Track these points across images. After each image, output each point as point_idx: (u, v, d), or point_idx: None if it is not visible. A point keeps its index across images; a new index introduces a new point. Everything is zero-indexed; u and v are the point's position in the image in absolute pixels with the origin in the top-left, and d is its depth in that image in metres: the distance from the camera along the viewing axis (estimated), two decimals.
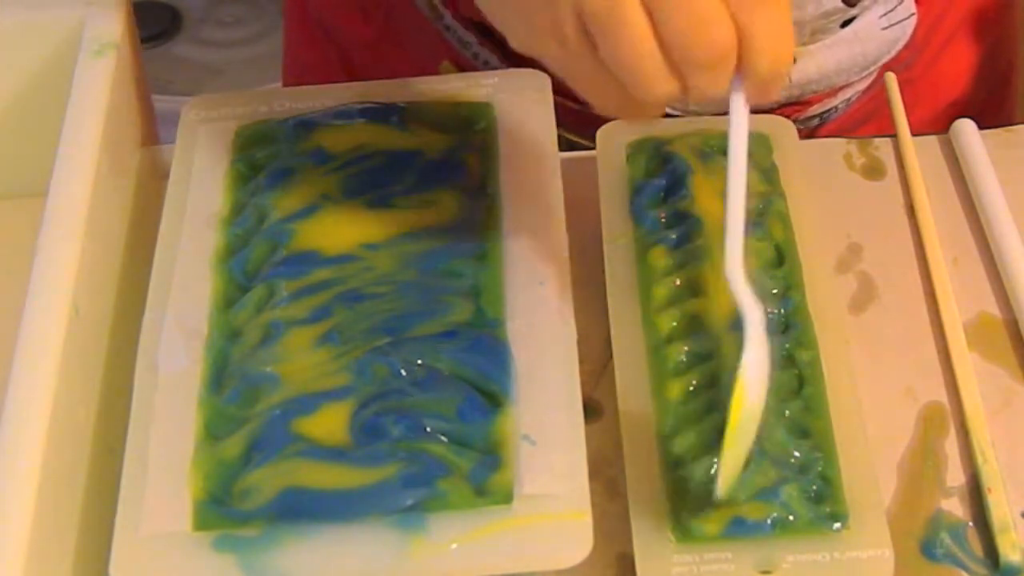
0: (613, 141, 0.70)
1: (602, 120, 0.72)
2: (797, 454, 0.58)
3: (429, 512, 0.54)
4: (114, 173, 0.67)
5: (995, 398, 0.65)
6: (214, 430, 0.57)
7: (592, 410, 0.64)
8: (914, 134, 0.75)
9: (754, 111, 0.76)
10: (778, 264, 0.65)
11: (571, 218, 0.64)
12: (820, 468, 0.58)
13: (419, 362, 0.58)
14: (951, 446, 0.63)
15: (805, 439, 0.59)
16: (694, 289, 0.63)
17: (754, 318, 0.54)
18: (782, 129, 0.71)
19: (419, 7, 0.80)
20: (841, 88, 0.79)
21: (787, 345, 0.61)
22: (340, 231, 0.63)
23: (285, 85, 0.94)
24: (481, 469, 0.55)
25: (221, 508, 0.55)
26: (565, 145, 0.77)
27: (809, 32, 0.74)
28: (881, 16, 0.76)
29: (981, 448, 0.62)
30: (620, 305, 0.64)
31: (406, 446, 0.56)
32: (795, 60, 0.75)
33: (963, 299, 0.68)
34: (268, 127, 0.68)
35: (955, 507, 0.61)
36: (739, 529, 0.56)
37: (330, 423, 0.56)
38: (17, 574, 0.51)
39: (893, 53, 0.78)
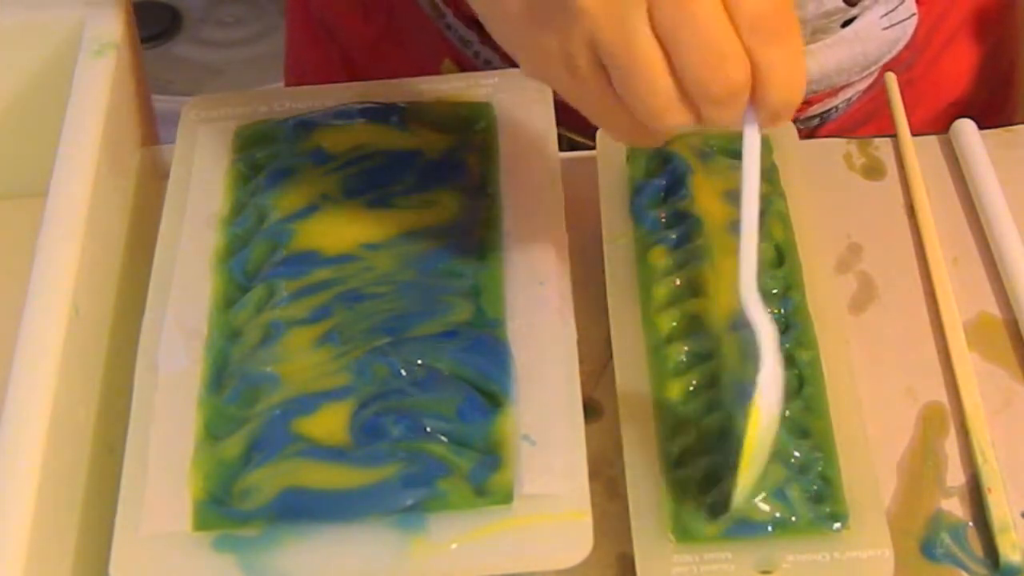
0: (613, 141, 0.70)
1: None
2: (797, 454, 0.58)
3: (429, 512, 0.54)
4: (114, 173, 0.67)
5: (995, 398, 0.65)
6: (214, 430, 0.57)
7: (592, 410, 0.64)
8: (914, 134, 0.75)
9: None
10: (778, 264, 0.65)
11: (571, 218, 0.64)
12: (820, 468, 0.58)
13: (419, 362, 0.58)
14: (951, 446, 0.63)
15: (805, 439, 0.59)
16: (694, 289, 0.63)
17: (767, 338, 0.54)
18: (782, 129, 0.71)
19: (421, 6, 0.80)
20: (842, 88, 0.79)
21: (787, 345, 0.61)
22: (340, 231, 0.63)
23: (287, 85, 0.94)
24: (481, 469, 0.55)
25: (221, 508, 0.55)
26: (566, 144, 0.77)
27: (810, 32, 0.74)
28: (882, 16, 0.76)
29: (981, 448, 0.62)
30: (620, 305, 0.64)
31: (406, 446, 0.56)
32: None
33: (963, 299, 0.68)
34: (268, 127, 0.68)
35: (955, 507, 0.61)
36: (739, 529, 0.56)
37: (330, 423, 0.56)
38: (17, 574, 0.51)
39: (894, 53, 0.78)
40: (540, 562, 0.54)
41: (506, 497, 0.54)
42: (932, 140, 0.76)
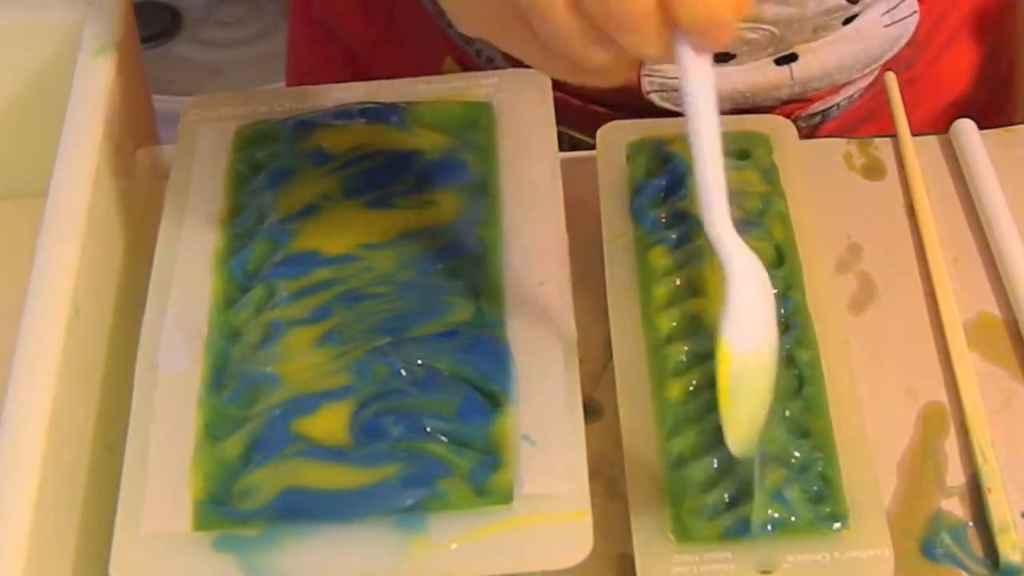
0: (613, 141, 0.70)
1: (604, 118, 0.72)
2: (797, 454, 0.58)
3: (429, 512, 0.54)
4: (114, 173, 0.67)
5: (995, 398, 0.65)
6: (214, 430, 0.57)
7: (592, 410, 0.64)
8: (915, 134, 0.75)
9: (756, 110, 0.77)
10: (778, 264, 0.65)
11: (571, 218, 0.64)
12: (820, 468, 0.58)
13: (419, 362, 0.58)
14: (951, 446, 0.63)
15: (805, 439, 0.59)
16: (694, 289, 0.63)
17: (738, 266, 0.52)
18: (782, 129, 0.71)
19: (422, 4, 0.80)
20: (843, 85, 0.79)
21: (787, 345, 0.61)
22: (340, 231, 0.63)
23: (288, 84, 0.94)
24: (481, 469, 0.55)
25: (221, 508, 0.55)
26: (566, 142, 0.77)
27: (811, 29, 0.74)
28: (883, 13, 0.76)
29: (981, 448, 0.62)
30: (620, 305, 0.64)
31: (406, 446, 0.56)
32: (797, 57, 0.76)
33: (963, 299, 0.68)
34: (268, 127, 0.68)
35: (955, 507, 0.61)
36: (739, 529, 0.56)
37: (330, 423, 0.56)
38: (17, 574, 0.51)
39: (895, 51, 0.78)
40: (540, 562, 0.54)
41: (506, 497, 0.54)
42: (932, 140, 0.76)
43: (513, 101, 0.68)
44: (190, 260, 0.63)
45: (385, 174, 0.65)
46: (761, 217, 0.66)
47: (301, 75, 0.92)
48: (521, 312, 0.60)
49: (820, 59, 0.76)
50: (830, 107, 0.80)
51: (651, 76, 0.75)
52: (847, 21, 0.75)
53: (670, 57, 0.50)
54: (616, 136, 0.70)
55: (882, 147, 0.76)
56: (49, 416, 0.55)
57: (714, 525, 0.56)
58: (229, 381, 0.59)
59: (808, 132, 0.80)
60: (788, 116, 0.77)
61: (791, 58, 0.75)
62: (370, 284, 0.61)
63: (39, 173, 0.64)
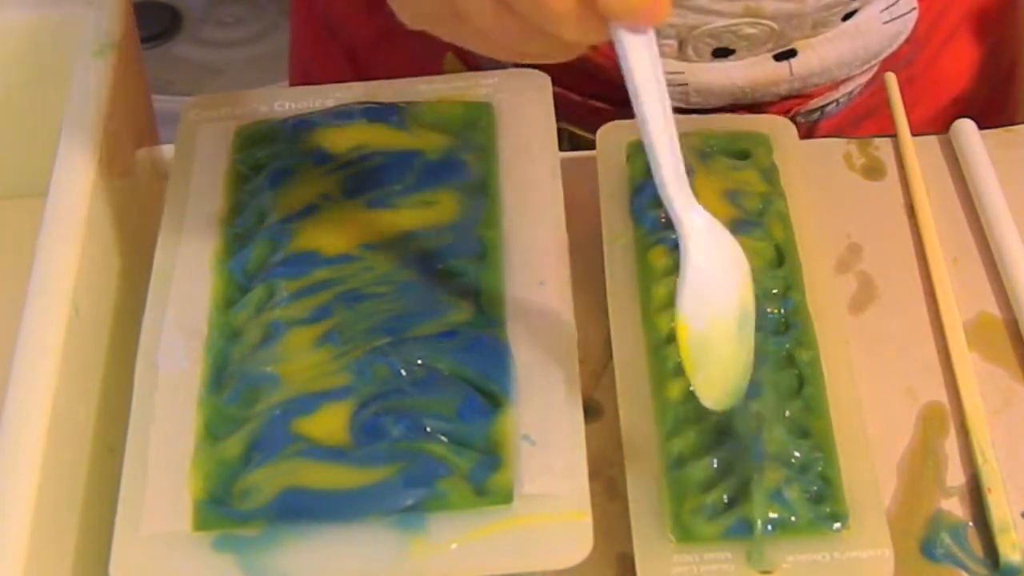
0: (613, 141, 0.70)
1: (603, 113, 0.72)
2: (797, 454, 0.58)
3: (429, 512, 0.54)
4: (114, 173, 0.67)
5: (995, 398, 0.65)
6: (214, 430, 0.57)
7: (592, 410, 0.64)
8: (915, 132, 0.75)
9: (755, 106, 0.77)
10: (778, 264, 0.65)
11: (571, 218, 0.64)
12: (820, 468, 0.58)
13: (419, 362, 0.58)
14: (951, 446, 0.64)
15: (805, 439, 0.59)
16: None
17: (690, 228, 0.53)
18: (782, 129, 0.71)
19: None
20: (842, 81, 0.79)
21: (787, 345, 0.61)
22: (340, 231, 0.63)
23: (291, 83, 0.94)
24: (481, 469, 0.55)
25: (221, 508, 0.55)
26: (567, 137, 0.77)
27: (810, 25, 0.74)
28: (882, 10, 0.76)
29: (981, 448, 0.62)
30: (620, 305, 0.64)
31: (406, 446, 0.56)
32: (796, 53, 0.76)
33: (963, 299, 0.68)
34: (268, 127, 0.68)
35: (955, 507, 0.61)
36: (739, 529, 0.56)
37: (330, 423, 0.56)
38: (17, 574, 0.51)
39: (894, 47, 0.78)
40: (540, 562, 0.54)
41: (506, 497, 0.54)
42: (932, 140, 0.76)
43: (513, 101, 0.68)
44: (190, 260, 0.63)
45: (385, 174, 0.65)
46: (761, 217, 0.66)
47: (303, 73, 0.92)
48: (521, 312, 0.60)
49: (819, 55, 0.76)
50: (829, 103, 0.80)
51: None
52: (846, 17, 0.75)
53: (607, 35, 0.50)
54: (616, 136, 0.70)
55: (882, 147, 0.76)
56: (49, 416, 0.55)
57: (714, 525, 0.56)
58: (229, 381, 0.59)
59: (807, 128, 0.80)
60: (787, 112, 0.78)
61: (790, 54, 0.75)
62: (370, 284, 0.61)
63: (39, 173, 0.64)
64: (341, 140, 0.67)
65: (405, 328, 0.59)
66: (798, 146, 0.71)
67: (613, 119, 0.71)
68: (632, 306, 0.64)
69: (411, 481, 0.54)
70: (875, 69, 0.79)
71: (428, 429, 0.56)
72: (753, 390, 0.57)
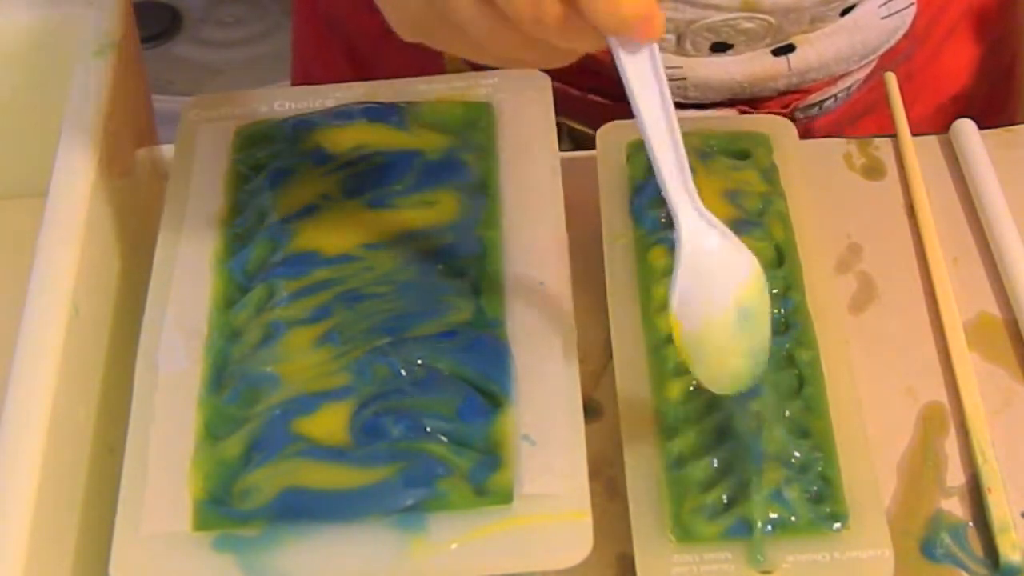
0: (613, 141, 0.70)
1: (603, 108, 0.72)
2: (797, 454, 0.58)
3: (429, 512, 0.54)
4: (114, 173, 0.67)
5: (995, 398, 0.65)
6: (214, 430, 0.57)
7: (592, 410, 0.64)
8: (914, 129, 0.75)
9: (754, 101, 0.77)
10: (778, 264, 0.65)
11: (571, 218, 0.64)
12: (820, 468, 0.58)
13: (419, 362, 0.58)
14: (951, 446, 0.64)
15: (805, 439, 0.59)
16: None
17: (686, 227, 0.54)
18: (782, 129, 0.71)
19: None
20: (841, 76, 0.79)
21: (787, 345, 0.61)
22: (340, 231, 0.63)
23: (293, 82, 0.94)
24: (481, 469, 0.55)
25: (221, 508, 0.55)
26: (567, 133, 0.77)
27: (808, 19, 0.74)
28: (880, 5, 0.76)
29: (981, 448, 0.62)
30: (620, 305, 0.64)
31: (406, 446, 0.56)
32: (794, 48, 0.76)
33: (963, 299, 0.68)
34: (268, 127, 0.68)
35: (955, 507, 0.61)
36: (739, 529, 0.56)
37: (330, 423, 0.56)
38: (17, 574, 0.51)
39: (892, 43, 0.78)
40: (540, 562, 0.54)
41: (506, 497, 0.54)
42: (932, 140, 0.76)
43: (513, 101, 0.68)
44: (190, 260, 0.63)
45: (385, 174, 0.65)
46: (761, 217, 0.66)
47: (305, 72, 0.92)
48: (521, 312, 0.60)
49: (817, 50, 0.76)
50: (827, 98, 0.80)
51: None
52: (844, 12, 0.75)
53: (603, 43, 0.51)
54: (616, 136, 0.70)
55: (882, 147, 0.76)
56: (49, 416, 0.55)
57: (714, 525, 0.56)
58: (229, 381, 0.59)
59: (806, 124, 0.80)
60: (785, 107, 0.78)
61: (788, 49, 0.76)
62: (370, 284, 0.61)
63: (39, 173, 0.64)
64: (341, 140, 0.67)
65: (405, 328, 0.59)
66: (798, 146, 0.71)
67: (612, 114, 0.71)
68: (632, 306, 0.64)
69: (411, 481, 0.54)
70: (873, 64, 0.79)
71: (428, 429, 0.56)
72: (753, 390, 0.57)
